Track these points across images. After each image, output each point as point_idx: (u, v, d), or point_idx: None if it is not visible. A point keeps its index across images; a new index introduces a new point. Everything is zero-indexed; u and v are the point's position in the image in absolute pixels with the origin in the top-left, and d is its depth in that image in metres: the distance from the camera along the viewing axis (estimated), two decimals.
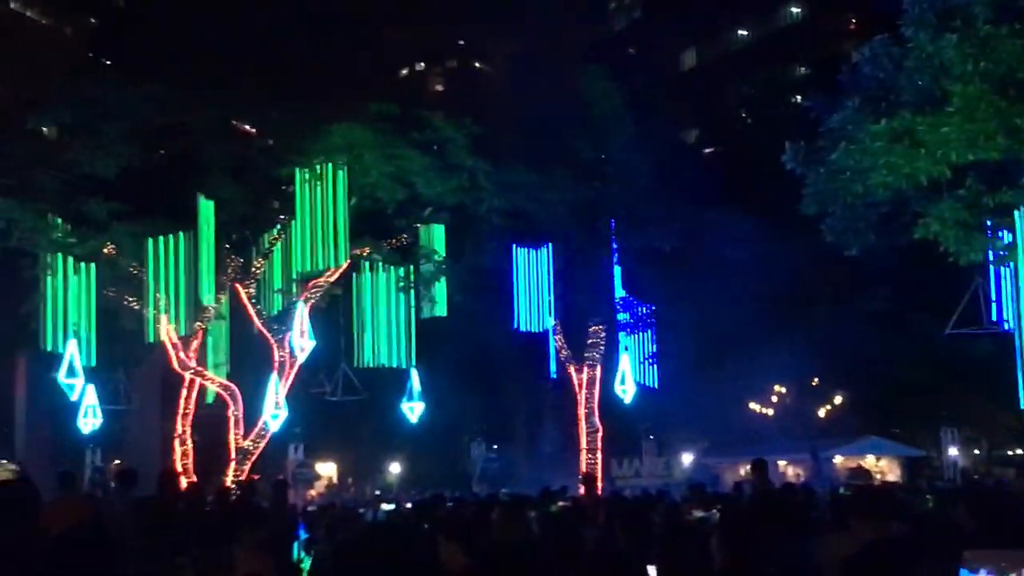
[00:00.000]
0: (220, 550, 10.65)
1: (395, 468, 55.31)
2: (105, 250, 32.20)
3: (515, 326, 34.60)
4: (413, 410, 34.80)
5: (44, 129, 35.02)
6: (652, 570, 8.33)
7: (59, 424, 39.30)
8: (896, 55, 23.19)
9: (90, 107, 31.88)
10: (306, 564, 14.40)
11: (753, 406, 50.18)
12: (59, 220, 31.65)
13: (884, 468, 47.98)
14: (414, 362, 33.75)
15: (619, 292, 36.23)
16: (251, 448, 32.83)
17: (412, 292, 33.21)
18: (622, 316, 36.33)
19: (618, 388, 35.69)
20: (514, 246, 34.24)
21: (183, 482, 22.81)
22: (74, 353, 31.88)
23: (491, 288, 34.82)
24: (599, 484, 32.82)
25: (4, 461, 54.06)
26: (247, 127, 36.29)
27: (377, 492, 41.51)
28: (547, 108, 38.28)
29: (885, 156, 22.24)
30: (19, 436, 47.16)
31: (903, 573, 8.29)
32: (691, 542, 8.41)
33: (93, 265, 32.10)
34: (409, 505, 24.22)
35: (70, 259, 31.84)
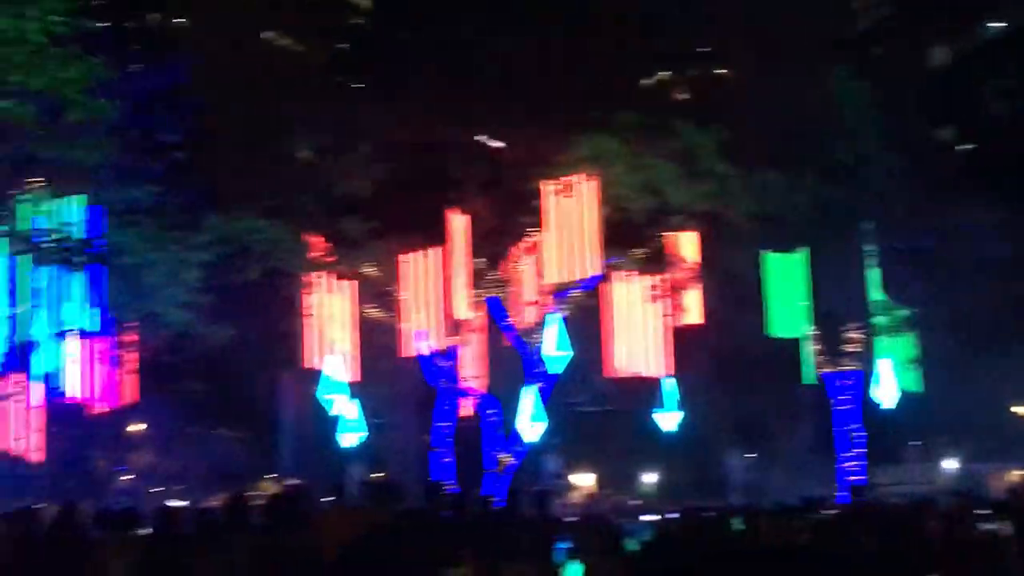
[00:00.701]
0: (491, 560, 10.78)
1: (650, 478, 55.05)
2: (362, 267, 32.97)
3: (769, 332, 34.06)
4: (668, 419, 34.56)
5: (300, 153, 36.01)
6: None
7: (321, 439, 40.29)
8: None
9: (343, 128, 32.74)
10: (573, 573, 14.34)
11: (1016, 410, 48.29)
12: (317, 239, 32.57)
13: None
14: (668, 371, 33.54)
15: (875, 295, 35.32)
16: (508, 460, 33.13)
17: (665, 300, 33.03)
18: (879, 319, 35.40)
19: (876, 393, 34.80)
20: (766, 251, 33.72)
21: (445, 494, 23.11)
22: (334, 369, 32.66)
23: (744, 294, 34.38)
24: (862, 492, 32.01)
25: (274, 475, 55.89)
26: (496, 142, 36.66)
27: (636, 502, 41.36)
28: (793, 110, 37.59)
29: None
30: (284, 452, 48.62)
31: None
32: (979, 553, 8.05)
33: (351, 282, 32.90)
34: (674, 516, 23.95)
35: (329, 277, 32.69)
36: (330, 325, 32.75)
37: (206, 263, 30.53)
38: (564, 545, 15.24)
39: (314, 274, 32.60)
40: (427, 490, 16.45)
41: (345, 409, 33.36)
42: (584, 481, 52.27)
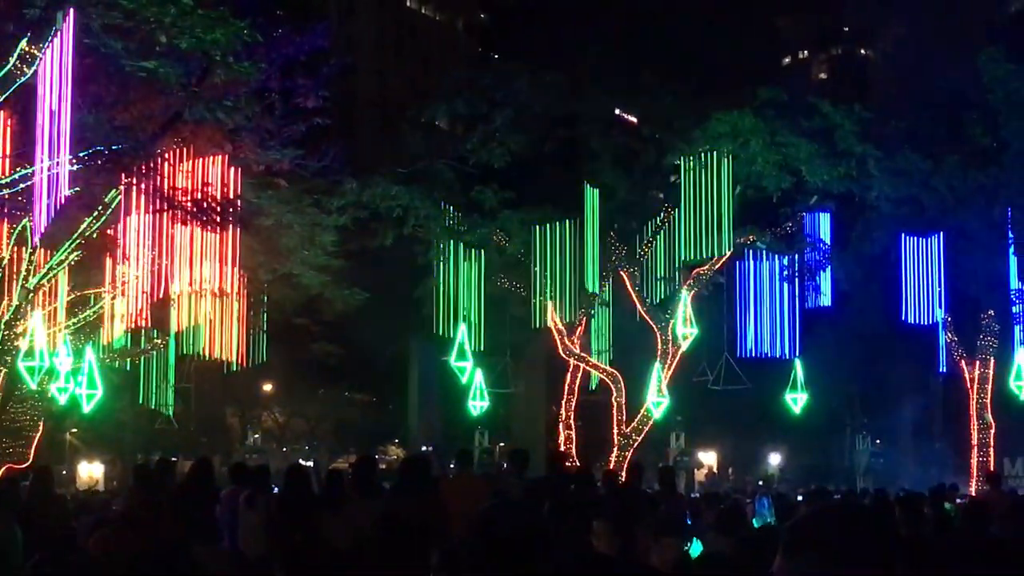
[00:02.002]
0: (623, 531, 10.75)
1: (775, 459, 54.63)
2: (494, 237, 33.12)
3: (903, 317, 33.52)
4: (796, 401, 34.24)
5: (438, 121, 36.20)
6: None
7: (449, 406, 40.63)
8: None
9: (482, 98, 32.86)
10: (694, 550, 14.25)
11: None
12: (452, 208, 32.79)
13: None
14: (798, 352, 33.24)
15: (1015, 283, 34.55)
16: (633, 435, 33.11)
17: (797, 281, 32.70)
18: (1019, 308, 34.62)
19: (1013, 384, 34.06)
20: (902, 234, 33.16)
21: (570, 465, 23.19)
22: (464, 337, 32.88)
23: (878, 278, 33.89)
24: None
25: (396, 441, 56.50)
26: (632, 116, 36.54)
27: (760, 482, 41.02)
28: (937, 93, 36.80)
29: None
30: (411, 417, 49.10)
31: None
32: None
33: (483, 252, 33.07)
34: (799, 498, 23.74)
35: (461, 246, 32.90)
36: (461, 293, 32.97)
37: (341, 227, 30.89)
38: (688, 522, 15.19)
39: (447, 242, 32.80)
40: (552, 461, 16.50)
41: (474, 377, 33.57)
42: (707, 459, 51.98)
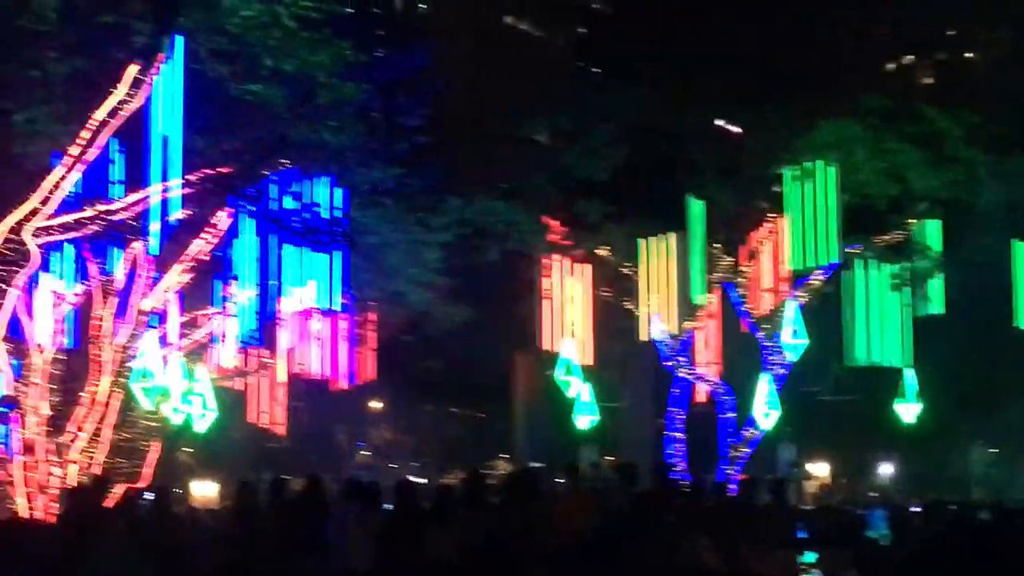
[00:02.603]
0: (728, 545, 10.76)
1: (886, 469, 53.87)
2: (598, 251, 33.12)
3: (1016, 324, 32.98)
4: (908, 410, 33.80)
5: (539, 136, 36.27)
6: None
7: (555, 421, 40.61)
8: None
9: (582, 111, 32.89)
10: (806, 562, 14.17)
11: None
12: (555, 222, 32.85)
13: None
14: (909, 361, 32.82)
15: None
16: (742, 447, 32.91)
17: (907, 289, 32.31)
18: None
19: None
20: (1014, 240, 32.66)
21: (675, 478, 23.09)
22: (570, 351, 32.90)
23: (989, 284, 33.38)
24: None
25: (503, 456, 56.61)
26: (735, 127, 36.34)
27: (873, 493, 40.51)
28: None
29: None
30: (518, 433, 49.14)
31: None
32: None
33: (587, 265, 33.10)
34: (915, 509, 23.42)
35: (566, 260, 32.94)
36: (566, 307, 33.00)
37: (446, 244, 31.08)
38: (802, 534, 15.10)
39: (551, 256, 32.87)
40: (659, 475, 16.43)
41: (580, 391, 33.56)
42: (818, 470, 51.40)
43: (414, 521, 12.69)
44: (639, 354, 36.44)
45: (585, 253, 33.22)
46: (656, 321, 32.25)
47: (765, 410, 32.29)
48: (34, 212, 19.58)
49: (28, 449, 23.58)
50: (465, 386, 50.39)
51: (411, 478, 29.37)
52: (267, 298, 25.85)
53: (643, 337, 32.91)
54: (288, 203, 24.19)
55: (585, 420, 34.35)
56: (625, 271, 33.07)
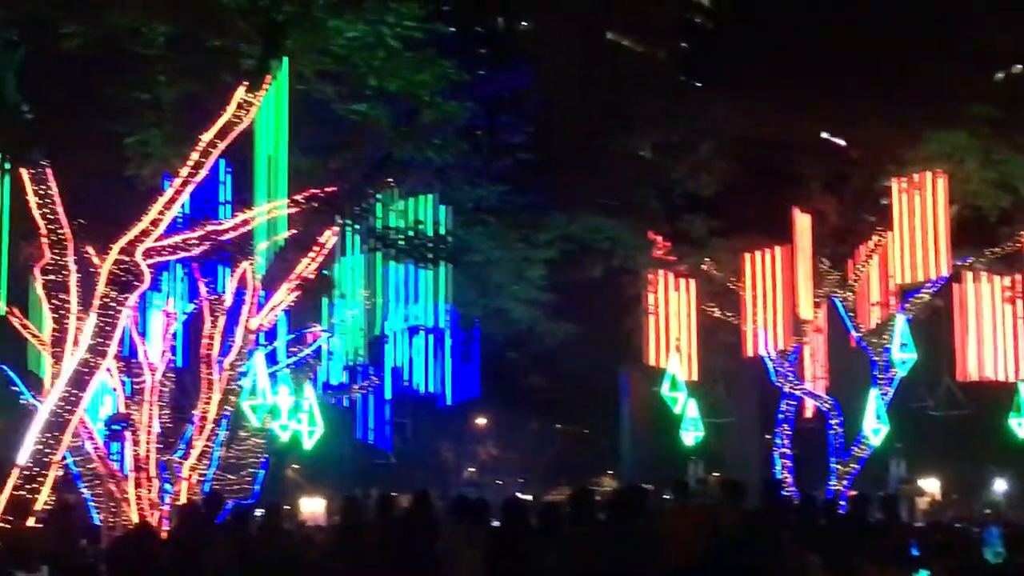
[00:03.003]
0: (840, 563, 10.64)
1: (1000, 486, 52.95)
2: (704, 266, 32.95)
3: None
4: (1022, 424, 33.16)
5: (642, 151, 36.23)
6: None
7: (662, 437, 40.41)
8: None
9: (686, 127, 32.79)
10: None
11: None
12: (660, 237, 32.74)
13: None
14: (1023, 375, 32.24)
15: None
16: (851, 463, 32.54)
17: (1020, 301, 31.75)
18: None
19: None
20: None
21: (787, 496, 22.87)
22: (676, 367, 32.74)
23: None
24: None
25: (610, 473, 56.43)
26: (841, 139, 35.99)
27: (987, 511, 39.78)
28: None
29: None
30: (624, 449, 48.99)
31: None
32: None
33: (693, 280, 32.93)
34: None
35: (670, 275, 32.81)
36: (671, 323, 32.85)
37: (549, 261, 31.10)
38: (914, 551, 14.86)
39: (656, 271, 32.76)
40: (767, 491, 16.25)
41: (685, 407, 33.38)
42: (929, 486, 50.65)
43: (522, 539, 12.67)
44: (745, 369, 36.17)
45: (690, 268, 33.06)
46: (762, 336, 31.99)
47: (874, 425, 31.87)
48: (145, 233, 19.86)
49: (140, 466, 23.93)
50: (569, 402, 50.39)
51: (519, 495, 29.37)
52: (373, 316, 26.05)
53: (749, 352, 32.68)
54: (393, 221, 24.35)
55: (691, 436, 34.16)
56: (730, 286, 32.85)
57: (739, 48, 35.81)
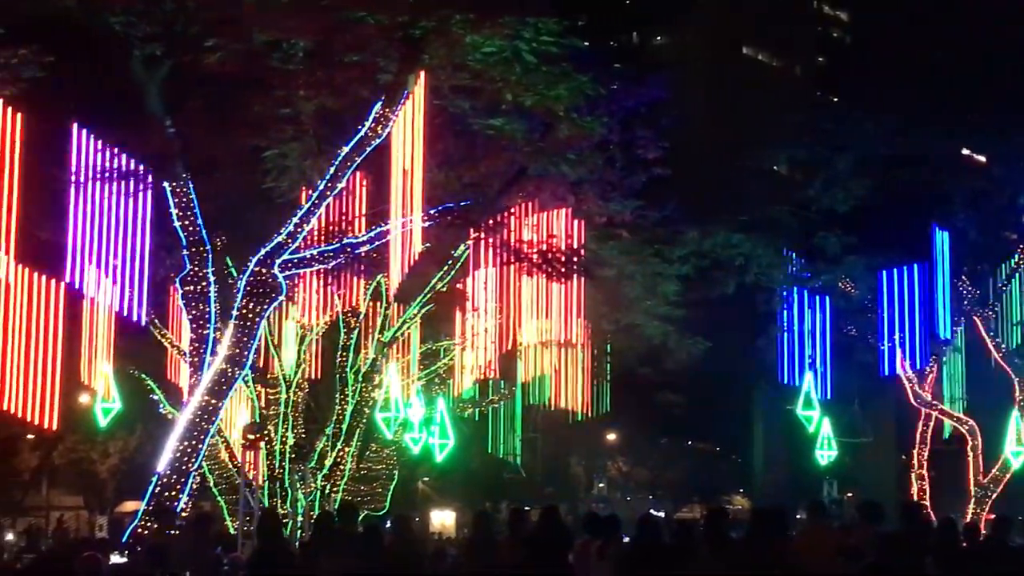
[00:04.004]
0: None
1: None
2: (839, 283, 32.49)
3: None
4: None
5: (777, 167, 35.91)
6: None
7: (795, 456, 39.97)
8: None
9: (822, 142, 32.39)
10: None
11: None
12: (794, 254, 32.38)
13: None
14: None
15: None
16: (991, 485, 31.83)
17: None
18: None
19: None
20: None
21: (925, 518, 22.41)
22: (810, 385, 32.27)
23: None
24: None
25: (741, 491, 55.94)
26: (981, 156, 35.33)
27: None
28: None
29: None
30: (756, 467, 48.55)
31: None
32: None
33: (827, 298, 32.49)
34: None
35: (805, 292, 32.41)
36: (805, 341, 32.42)
37: (682, 276, 30.86)
38: None
39: (790, 289, 32.38)
40: (907, 514, 15.91)
41: (819, 426, 32.91)
42: None
43: (656, 555, 12.56)
44: (881, 389, 35.60)
45: (825, 285, 32.59)
46: (899, 355, 31.45)
47: (1016, 448, 31.14)
48: (282, 246, 20.13)
49: (274, 476, 24.24)
50: (701, 419, 50.02)
51: (652, 512, 29.17)
52: (505, 329, 26.08)
53: (885, 372, 32.14)
54: (526, 235, 24.36)
55: (825, 456, 33.65)
56: (866, 303, 32.34)
57: (878, 63, 35.34)
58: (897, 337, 31.17)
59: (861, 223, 32.32)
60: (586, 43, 23.96)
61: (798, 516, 27.07)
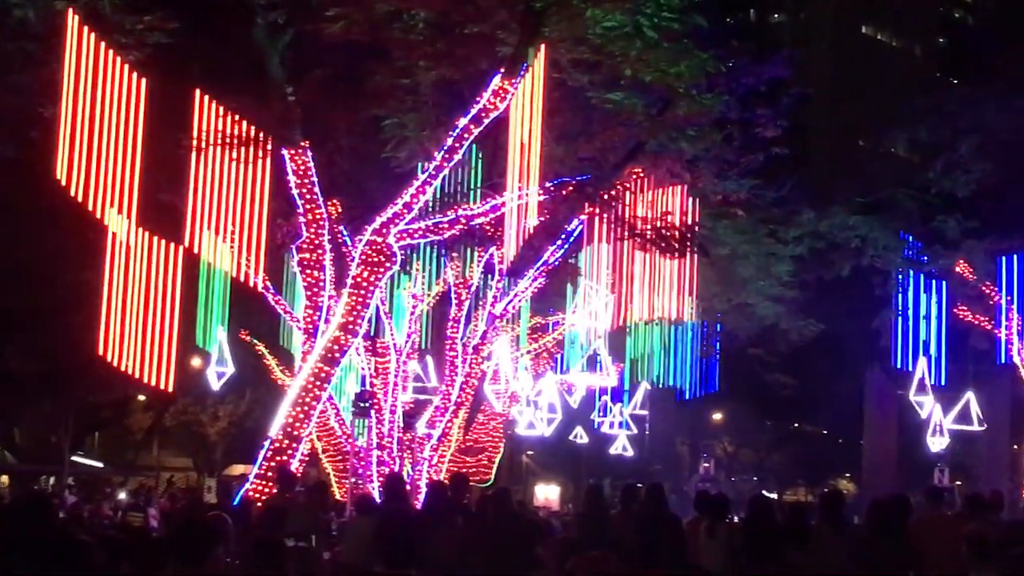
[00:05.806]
0: None
1: None
2: (958, 268, 31.95)
3: None
4: None
5: (897, 149, 35.35)
6: None
7: (906, 442, 39.43)
8: None
9: (945, 125, 31.85)
10: None
11: None
12: (912, 238, 31.91)
13: None
14: None
15: None
16: None
17: None
18: None
19: None
20: None
21: None
22: (923, 371, 31.83)
23: None
24: None
25: (847, 476, 55.31)
26: None
27: None
28: None
29: None
30: (865, 452, 47.89)
31: None
32: None
33: (944, 282, 31.99)
34: None
35: (921, 276, 31.95)
36: (920, 325, 31.97)
37: (797, 257, 30.56)
38: None
39: (907, 272, 31.93)
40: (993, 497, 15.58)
41: (932, 412, 32.44)
42: None
43: (769, 536, 12.46)
44: (997, 376, 34.96)
45: (942, 269, 32.06)
46: (1017, 342, 30.87)
47: None
48: (398, 215, 20.18)
49: (382, 444, 24.40)
50: (810, 402, 49.46)
51: (765, 493, 28.99)
52: (617, 305, 25.97)
53: (1002, 359, 31.56)
54: (641, 211, 24.19)
55: (936, 442, 33.16)
56: (984, 289, 31.76)
57: (1002, 44, 34.62)
58: (1016, 324, 30.61)
59: (981, 207, 31.75)
60: (706, 21, 23.70)
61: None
